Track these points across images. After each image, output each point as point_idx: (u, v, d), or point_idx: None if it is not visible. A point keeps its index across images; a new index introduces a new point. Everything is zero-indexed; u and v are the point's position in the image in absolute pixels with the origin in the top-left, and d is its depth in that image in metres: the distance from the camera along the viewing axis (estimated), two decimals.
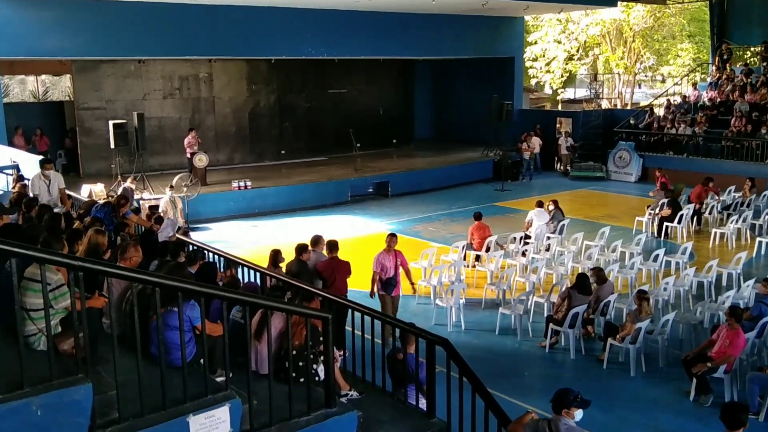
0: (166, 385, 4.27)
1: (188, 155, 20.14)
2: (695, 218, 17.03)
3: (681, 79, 31.77)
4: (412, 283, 11.00)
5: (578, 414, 5.37)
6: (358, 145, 23.02)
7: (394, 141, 27.48)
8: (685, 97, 27.36)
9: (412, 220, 18.71)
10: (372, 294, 10.49)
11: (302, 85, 25.18)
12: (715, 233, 16.01)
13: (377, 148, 25.77)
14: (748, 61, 28.60)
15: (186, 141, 20.30)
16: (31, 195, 11.10)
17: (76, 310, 4.17)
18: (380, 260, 10.43)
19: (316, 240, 10.07)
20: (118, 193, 14.83)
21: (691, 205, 17.01)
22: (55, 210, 10.77)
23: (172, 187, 13.94)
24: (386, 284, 10.44)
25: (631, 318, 9.78)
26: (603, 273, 10.98)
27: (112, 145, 18.01)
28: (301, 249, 9.62)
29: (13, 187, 12.90)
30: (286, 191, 20.08)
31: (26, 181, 13.28)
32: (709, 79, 28.18)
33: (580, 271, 12.75)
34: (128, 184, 15.73)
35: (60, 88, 23.93)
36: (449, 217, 18.90)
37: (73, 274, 4.08)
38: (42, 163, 11.88)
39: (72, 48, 18.16)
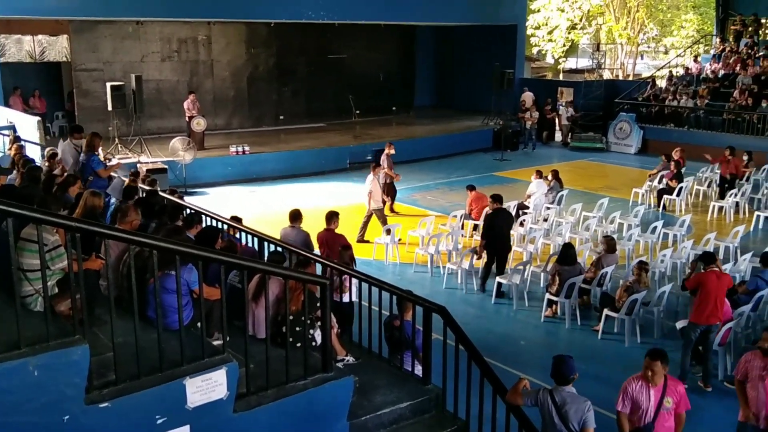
0: (163, 348, 4.28)
1: (186, 119, 20.00)
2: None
3: (684, 51, 31.45)
4: None
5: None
6: (358, 111, 22.82)
7: (394, 108, 27.23)
8: (687, 69, 27.13)
9: (411, 188, 18.64)
10: None
11: (302, 50, 24.83)
12: (714, 206, 16.03)
13: (377, 115, 25.56)
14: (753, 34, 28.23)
15: (185, 104, 20.14)
16: (31, 158, 11.00)
17: (73, 271, 4.16)
18: (630, 393, 5.81)
19: (295, 215, 9.64)
20: None
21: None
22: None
23: (377, 165, 14.46)
24: None
25: (624, 287, 9.81)
26: (614, 242, 10.97)
27: (110, 108, 17.84)
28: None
29: (10, 149, 12.83)
30: (284, 157, 19.99)
31: (23, 143, 13.21)
32: (712, 51, 27.89)
33: (576, 242, 12.80)
34: None
35: (57, 48, 23.64)
36: (448, 186, 18.84)
37: (70, 236, 4.06)
38: (72, 132, 11.25)
39: (69, 7, 17.88)
